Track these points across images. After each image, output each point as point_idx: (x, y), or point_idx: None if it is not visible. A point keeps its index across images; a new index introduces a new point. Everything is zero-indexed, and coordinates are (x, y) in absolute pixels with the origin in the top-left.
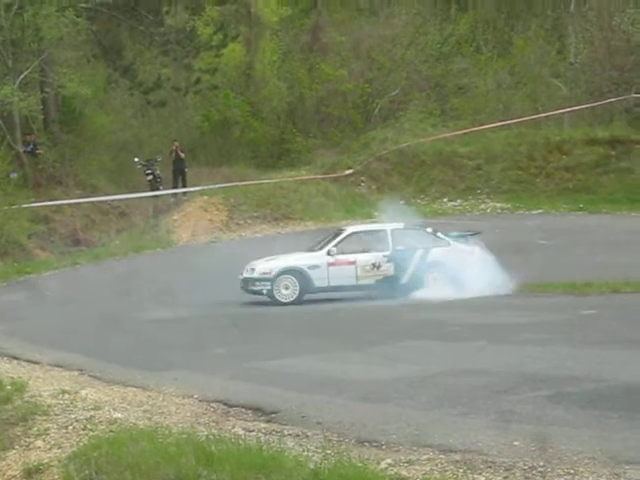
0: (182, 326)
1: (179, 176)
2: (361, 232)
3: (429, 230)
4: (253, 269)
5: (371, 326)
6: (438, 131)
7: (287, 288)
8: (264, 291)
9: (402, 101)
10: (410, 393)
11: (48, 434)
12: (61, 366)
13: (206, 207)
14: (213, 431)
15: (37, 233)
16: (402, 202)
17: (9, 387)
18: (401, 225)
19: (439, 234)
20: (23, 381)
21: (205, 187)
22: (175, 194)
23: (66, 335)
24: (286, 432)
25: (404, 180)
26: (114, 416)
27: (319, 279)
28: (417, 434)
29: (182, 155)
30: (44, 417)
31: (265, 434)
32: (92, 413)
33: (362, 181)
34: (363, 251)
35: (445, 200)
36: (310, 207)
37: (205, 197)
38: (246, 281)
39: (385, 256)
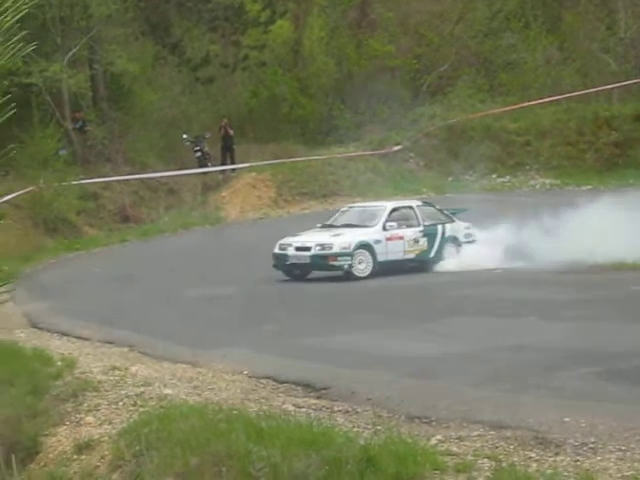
0: (231, 302)
1: (227, 153)
2: (400, 207)
3: (437, 207)
4: (329, 245)
5: (419, 303)
6: (487, 107)
7: (361, 263)
8: (345, 266)
9: (450, 77)
10: (460, 369)
11: (98, 410)
12: (111, 343)
13: (254, 184)
14: (263, 407)
15: (86, 210)
16: (450, 179)
17: (59, 363)
18: (419, 202)
19: (445, 211)
20: (73, 357)
21: (253, 164)
22: (223, 171)
23: (116, 312)
24: (336, 408)
25: (452, 156)
26: (164, 392)
27: (381, 254)
28: (467, 410)
29: (230, 132)
30: (94, 393)
31: (315, 410)
32: (142, 389)
33: (410, 157)
34: (403, 227)
35: (494, 176)
36: (358, 183)
37: (253, 174)
38: (320, 257)
39: (420, 231)
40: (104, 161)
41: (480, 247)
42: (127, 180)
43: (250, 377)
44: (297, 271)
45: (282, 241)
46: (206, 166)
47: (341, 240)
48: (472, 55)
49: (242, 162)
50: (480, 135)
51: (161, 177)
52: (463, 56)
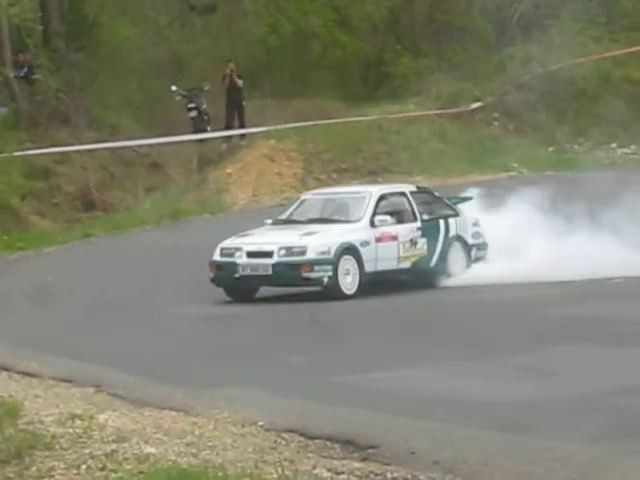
0: (241, 324)
1: (234, 112)
2: (389, 194)
3: (437, 194)
4: (301, 248)
5: (498, 326)
6: (603, 48)
7: (348, 274)
8: (325, 279)
9: (551, 5)
10: (565, 420)
11: (52, 476)
12: (69, 380)
13: (273, 156)
14: (286, 473)
15: (34, 193)
16: (551, 149)
17: None
18: (413, 187)
19: (445, 200)
20: (16, 401)
21: (272, 127)
22: (229, 137)
23: (76, 337)
24: (390, 475)
25: (555, 117)
26: (145, 451)
27: (369, 261)
28: (576, 478)
29: (239, 82)
30: (47, 452)
31: (360, 477)
32: (114, 447)
33: (495, 118)
34: (395, 222)
35: (613, 146)
36: (421, 156)
37: (272, 141)
38: (289, 266)
39: (418, 229)
40: (59, 123)
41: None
42: (92, 150)
43: (267, 430)
44: (247, 287)
45: (224, 244)
46: (204, 131)
47: (317, 241)
48: None
49: (255, 125)
50: (595, 87)
51: (140, 146)
52: None
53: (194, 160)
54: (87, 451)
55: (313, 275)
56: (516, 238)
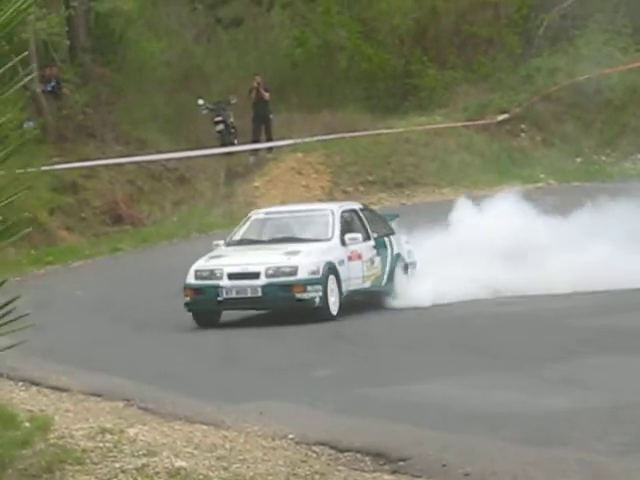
0: (269, 337)
1: (261, 125)
2: (346, 211)
3: (374, 211)
4: (291, 268)
5: (527, 337)
6: (630, 58)
7: (332, 294)
8: (317, 300)
9: (578, 16)
10: (597, 432)
11: None
12: (99, 394)
13: (300, 168)
14: None
15: (62, 207)
16: (579, 160)
17: (27, 424)
18: (360, 205)
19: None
20: (47, 416)
21: (299, 140)
22: (256, 150)
23: (105, 351)
24: None
25: (582, 128)
26: (176, 465)
27: (344, 280)
28: None
29: (266, 96)
30: (77, 467)
31: None
32: (145, 461)
33: (522, 130)
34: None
35: None
36: (448, 167)
37: (299, 154)
38: (281, 287)
39: (374, 247)
40: (87, 137)
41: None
42: (120, 164)
43: (298, 443)
44: (229, 310)
45: (199, 266)
46: (231, 144)
47: (307, 260)
48: None
49: (282, 138)
50: (622, 98)
51: (167, 160)
52: None
53: (221, 173)
54: (118, 465)
55: (306, 296)
56: (538, 248)
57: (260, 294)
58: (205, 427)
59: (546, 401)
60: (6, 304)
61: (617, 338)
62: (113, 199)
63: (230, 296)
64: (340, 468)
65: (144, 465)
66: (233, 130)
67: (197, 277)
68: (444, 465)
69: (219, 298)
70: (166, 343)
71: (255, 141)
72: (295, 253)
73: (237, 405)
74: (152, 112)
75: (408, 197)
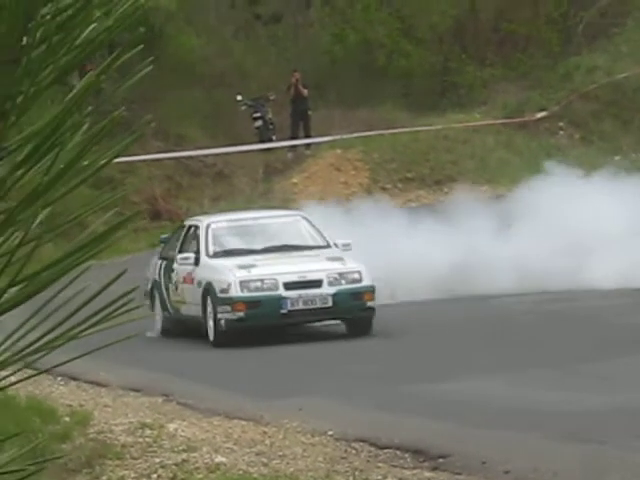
0: (302, 333)
1: (300, 121)
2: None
3: None
4: (353, 273)
5: (570, 335)
6: None
7: None
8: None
9: (617, 13)
10: (633, 430)
11: None
12: (138, 390)
13: (339, 165)
14: None
15: (103, 206)
16: (618, 157)
17: (67, 419)
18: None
19: None
20: (86, 411)
21: (338, 137)
22: (295, 147)
23: (143, 347)
24: None
25: (621, 126)
26: (216, 460)
27: None
28: None
29: (304, 92)
30: (117, 461)
31: None
32: (184, 456)
33: (561, 128)
34: None
35: None
36: (486, 165)
37: (337, 151)
38: (352, 296)
39: None
40: (125, 132)
41: None
42: (159, 160)
43: (337, 439)
44: (293, 324)
45: (243, 277)
46: (270, 140)
47: (362, 266)
48: None
49: (321, 135)
50: None
51: (206, 156)
52: None
53: (260, 170)
54: (157, 460)
55: (373, 304)
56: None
57: (330, 304)
58: (244, 423)
59: (585, 398)
60: (127, 293)
61: None
62: (151, 195)
63: (296, 308)
64: (380, 465)
65: (184, 460)
66: (271, 126)
67: (246, 289)
68: (484, 462)
69: (282, 311)
70: (205, 338)
71: (293, 137)
72: (338, 259)
73: (276, 401)
74: (191, 108)
75: (446, 194)
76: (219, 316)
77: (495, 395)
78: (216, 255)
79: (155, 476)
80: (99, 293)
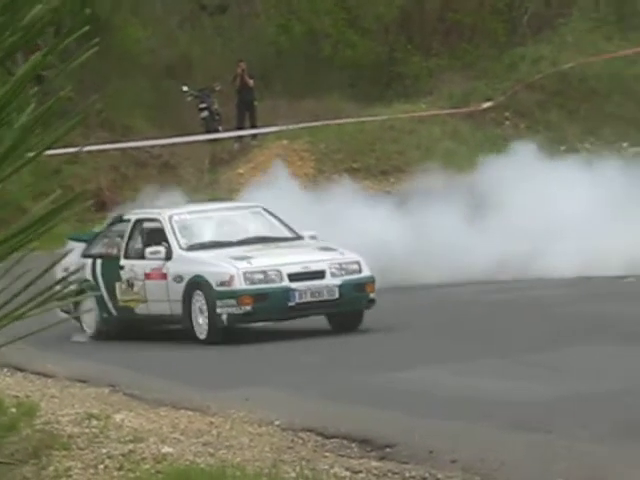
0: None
1: (246, 112)
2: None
3: None
4: (353, 264)
5: (518, 324)
6: (614, 46)
7: None
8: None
9: (563, 3)
10: (582, 419)
11: (70, 476)
12: (85, 380)
13: (285, 155)
14: (305, 472)
15: (46, 193)
16: (563, 148)
17: (13, 410)
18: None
19: None
20: (33, 401)
21: (283, 127)
22: (241, 137)
23: (89, 339)
24: (407, 473)
25: (566, 116)
26: (162, 451)
27: None
28: (589, 478)
29: (250, 82)
30: (64, 452)
31: (378, 476)
32: (131, 447)
33: (506, 118)
34: None
35: (625, 145)
36: (432, 155)
37: (283, 141)
38: (355, 287)
39: None
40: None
41: None
42: (104, 150)
43: (284, 429)
44: (299, 317)
45: (247, 268)
46: (216, 131)
47: (360, 257)
48: None
49: (267, 125)
50: (606, 86)
51: (152, 147)
52: None
53: (206, 160)
54: (104, 451)
55: (374, 296)
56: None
57: (337, 295)
58: (191, 413)
59: (531, 388)
60: (68, 275)
61: (598, 326)
62: (97, 186)
63: (304, 300)
64: (327, 454)
65: (130, 451)
66: (217, 117)
67: (250, 281)
68: (431, 452)
69: (290, 303)
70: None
71: (239, 128)
72: (331, 249)
73: (222, 391)
74: (137, 99)
75: (392, 184)
76: (219, 311)
77: (443, 385)
78: (192, 248)
79: (102, 466)
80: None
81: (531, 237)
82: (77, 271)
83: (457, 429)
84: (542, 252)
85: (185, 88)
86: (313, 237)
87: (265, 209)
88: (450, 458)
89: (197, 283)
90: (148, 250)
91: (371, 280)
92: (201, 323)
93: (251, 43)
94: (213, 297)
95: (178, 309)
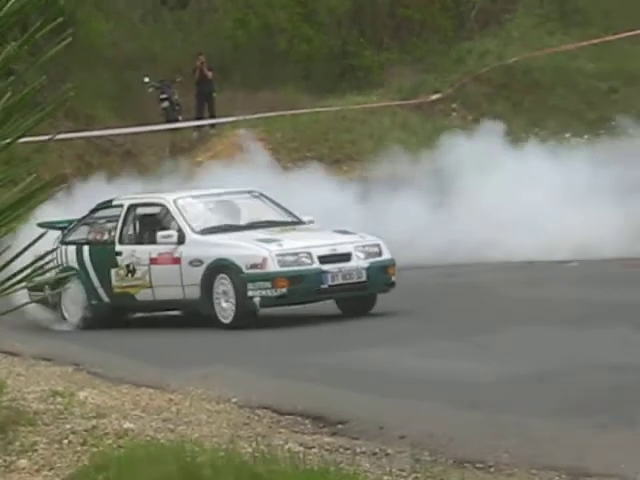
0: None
1: (205, 102)
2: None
3: None
4: (373, 247)
5: (469, 307)
6: (557, 41)
7: None
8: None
9: (508, 0)
10: (526, 397)
11: (35, 451)
12: (50, 359)
13: (242, 144)
14: (260, 447)
15: (15, 181)
16: (508, 138)
17: None
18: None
19: None
20: (0, 379)
21: (241, 117)
22: (200, 127)
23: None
24: (359, 449)
25: (511, 108)
26: (124, 426)
27: None
28: (536, 452)
29: (209, 74)
30: (29, 428)
31: (330, 452)
32: (94, 422)
33: (454, 109)
34: None
35: (567, 135)
36: (383, 145)
37: (241, 131)
38: (380, 270)
39: None
40: (36, 113)
41: None
42: (69, 139)
43: (241, 406)
44: (327, 299)
45: (280, 250)
46: (176, 120)
47: (380, 240)
48: None
49: (225, 115)
50: (549, 79)
51: (115, 135)
52: None
53: (166, 149)
54: (68, 427)
55: (395, 279)
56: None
57: (365, 278)
58: (152, 390)
59: (476, 368)
60: (49, 252)
61: (543, 309)
62: (62, 173)
63: (335, 282)
64: (281, 430)
65: (93, 427)
66: (178, 107)
67: (283, 263)
68: (381, 428)
69: (323, 285)
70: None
71: (199, 118)
72: (348, 232)
73: (182, 369)
74: (100, 90)
75: (345, 173)
76: (251, 294)
77: (393, 364)
78: (205, 232)
79: (66, 442)
80: (19, 255)
81: (481, 223)
82: (51, 258)
83: (407, 407)
84: (492, 238)
85: (146, 79)
86: (311, 221)
87: (262, 194)
88: (399, 434)
89: (221, 266)
90: (160, 234)
91: (392, 263)
92: (225, 307)
93: (210, 37)
94: (242, 280)
95: (194, 293)
